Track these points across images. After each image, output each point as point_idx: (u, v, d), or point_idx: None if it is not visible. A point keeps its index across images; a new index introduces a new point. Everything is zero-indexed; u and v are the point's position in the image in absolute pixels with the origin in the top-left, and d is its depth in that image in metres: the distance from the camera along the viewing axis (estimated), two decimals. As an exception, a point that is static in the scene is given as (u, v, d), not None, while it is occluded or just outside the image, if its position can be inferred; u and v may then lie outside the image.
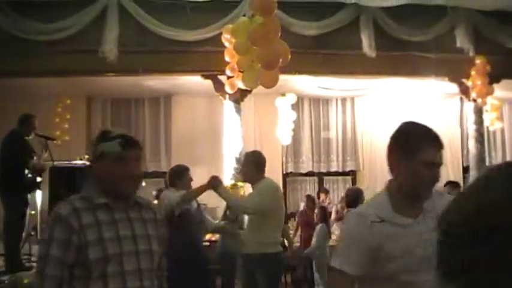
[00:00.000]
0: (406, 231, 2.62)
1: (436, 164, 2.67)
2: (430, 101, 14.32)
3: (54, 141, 8.82)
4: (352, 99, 14.50)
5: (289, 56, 7.75)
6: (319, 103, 14.53)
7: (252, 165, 6.43)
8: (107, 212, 2.74)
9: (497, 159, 15.26)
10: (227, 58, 9.21)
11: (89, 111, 13.65)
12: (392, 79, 12.13)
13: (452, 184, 9.89)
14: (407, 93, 13.63)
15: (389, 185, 2.77)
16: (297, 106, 13.59)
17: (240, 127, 10.91)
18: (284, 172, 14.09)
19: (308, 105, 14.42)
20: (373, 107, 14.33)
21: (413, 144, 2.66)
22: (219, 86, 10.65)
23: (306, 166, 14.31)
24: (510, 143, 15.62)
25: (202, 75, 10.80)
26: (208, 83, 10.81)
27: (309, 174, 14.48)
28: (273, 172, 13.23)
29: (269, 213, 6.02)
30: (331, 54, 10.88)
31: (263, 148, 13.64)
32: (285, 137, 13.18)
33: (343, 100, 14.54)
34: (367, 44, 10.79)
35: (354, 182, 14.56)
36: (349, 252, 2.63)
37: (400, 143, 2.73)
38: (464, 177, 14.32)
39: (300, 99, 13.79)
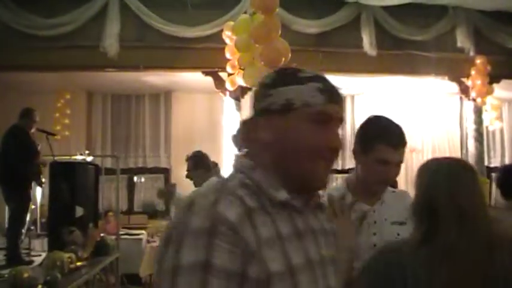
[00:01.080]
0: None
1: (390, 163, 2.62)
2: (429, 100, 14.36)
3: (55, 136, 8.84)
4: (352, 97, 14.52)
5: (290, 55, 7.75)
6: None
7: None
8: (286, 217, 1.54)
9: (496, 158, 15.32)
10: (228, 55, 9.21)
11: (89, 106, 13.67)
12: (393, 78, 12.15)
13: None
14: (407, 92, 13.66)
15: (348, 177, 2.84)
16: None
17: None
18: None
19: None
20: (373, 106, 14.33)
21: (369, 139, 2.66)
22: (219, 83, 10.66)
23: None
24: (509, 143, 15.66)
25: (203, 72, 10.81)
26: (209, 79, 10.82)
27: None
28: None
29: None
30: (331, 53, 10.90)
31: (262, 145, 13.72)
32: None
33: (343, 98, 14.50)
34: (367, 43, 10.82)
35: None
36: None
37: (359, 136, 2.74)
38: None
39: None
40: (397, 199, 2.84)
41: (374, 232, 2.70)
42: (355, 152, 2.72)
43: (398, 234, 2.67)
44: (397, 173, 2.70)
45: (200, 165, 6.64)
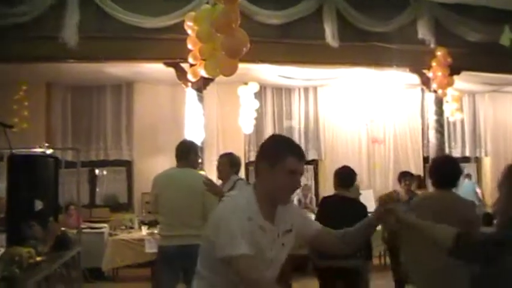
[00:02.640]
0: (265, 234, 2.82)
1: (298, 173, 2.88)
2: (391, 91, 14.47)
3: (12, 129, 8.65)
4: (315, 88, 14.54)
5: (249, 45, 7.72)
6: (282, 92, 14.54)
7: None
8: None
9: (456, 149, 15.52)
10: (190, 46, 9.14)
11: (49, 98, 13.41)
12: (355, 69, 12.20)
13: (404, 173, 10.08)
14: (369, 83, 13.73)
15: (256, 189, 2.92)
16: (259, 95, 13.58)
17: (203, 116, 10.87)
18: (246, 161, 14.09)
19: (271, 94, 14.43)
20: (336, 97, 14.41)
21: (279, 153, 2.86)
22: (181, 74, 10.58)
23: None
24: (469, 134, 15.88)
25: (165, 63, 10.72)
26: (171, 71, 10.73)
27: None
28: (235, 161, 13.24)
29: None
30: (294, 44, 10.89)
31: (225, 137, 13.70)
32: (247, 125, 13.17)
33: (306, 89, 14.57)
34: (330, 34, 10.83)
35: (315, 171, 14.65)
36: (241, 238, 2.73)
37: (267, 151, 2.93)
38: (424, 167, 14.51)
39: (263, 88, 13.79)
40: (283, 208, 2.98)
41: (271, 248, 2.92)
42: (261, 169, 2.90)
43: (283, 245, 2.97)
44: (300, 183, 2.97)
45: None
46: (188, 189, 5.94)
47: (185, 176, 6.09)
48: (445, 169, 5.04)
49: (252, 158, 14.29)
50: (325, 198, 7.15)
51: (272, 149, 2.92)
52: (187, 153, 6.23)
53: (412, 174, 10.18)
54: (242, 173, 13.05)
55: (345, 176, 6.72)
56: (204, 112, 10.93)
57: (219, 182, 6.62)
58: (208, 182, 5.70)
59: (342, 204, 6.45)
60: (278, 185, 2.83)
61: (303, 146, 14.42)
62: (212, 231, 2.76)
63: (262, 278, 2.69)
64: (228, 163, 6.63)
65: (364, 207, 6.67)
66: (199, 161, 9.89)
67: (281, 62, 11.39)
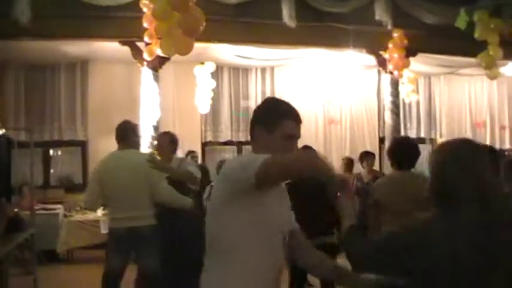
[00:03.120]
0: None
1: (295, 137, 2.85)
2: (348, 72, 14.51)
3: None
4: (272, 69, 14.51)
5: (205, 24, 7.67)
6: (239, 72, 14.47)
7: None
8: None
9: (412, 130, 15.68)
10: (145, 24, 9.03)
11: (1, 77, 13.11)
12: (312, 50, 12.20)
13: (366, 153, 10.18)
14: (326, 64, 13.75)
15: (254, 151, 2.85)
16: (216, 75, 13.49)
17: (158, 95, 10.76)
18: (203, 141, 14.03)
19: (227, 74, 14.35)
20: (293, 77, 14.40)
21: (276, 117, 2.80)
22: (137, 53, 10.45)
23: (225, 135, 14.26)
24: (425, 115, 16.05)
25: (120, 42, 10.55)
26: (126, 49, 10.57)
27: (228, 143, 14.43)
28: (192, 141, 13.17)
29: None
30: (251, 23, 10.82)
31: (181, 117, 13.60)
32: (203, 105, 13.09)
33: (263, 70, 14.53)
34: (287, 14, 10.79)
35: (272, 151, 14.64)
36: None
37: (262, 116, 2.86)
38: (380, 148, 14.65)
39: (219, 68, 13.71)
40: None
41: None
42: (257, 134, 2.83)
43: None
44: (297, 147, 2.95)
45: None
46: (132, 170, 5.88)
47: (127, 157, 6.03)
48: (404, 150, 5.15)
49: (209, 138, 14.26)
50: None
51: (268, 113, 2.84)
52: (126, 134, 6.17)
53: (373, 154, 10.29)
54: (199, 153, 13.02)
55: None
56: (160, 92, 10.82)
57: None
58: (152, 159, 5.70)
59: (310, 182, 6.55)
60: (276, 151, 2.67)
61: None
62: (232, 172, 2.62)
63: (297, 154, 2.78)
64: (168, 141, 6.55)
65: (323, 185, 6.80)
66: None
67: (238, 41, 11.32)
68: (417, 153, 5.26)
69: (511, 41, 11.41)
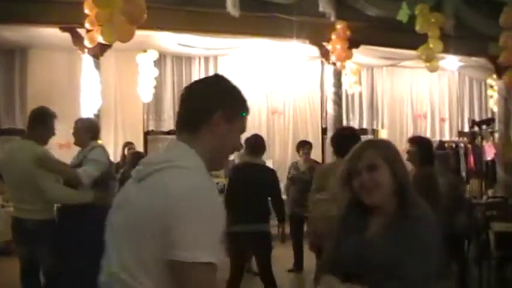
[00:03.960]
0: None
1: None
2: (292, 63, 14.55)
3: None
4: (215, 58, 14.46)
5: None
6: (182, 61, 14.38)
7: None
8: None
9: (354, 121, 15.84)
10: (86, 10, 8.85)
11: None
12: (256, 39, 12.19)
13: (303, 142, 10.24)
14: (270, 54, 13.76)
15: (196, 150, 2.17)
16: (159, 63, 13.38)
17: (100, 83, 10.57)
18: (145, 130, 13.91)
19: (170, 62, 14.23)
20: (236, 67, 14.36)
21: (239, 104, 2.30)
22: (77, 40, 10.23)
23: (168, 124, 14.14)
24: (367, 106, 16.24)
25: (60, 28, 10.32)
26: (67, 36, 10.35)
27: (171, 132, 14.32)
28: (134, 130, 13.04)
29: None
30: (194, 12, 10.70)
31: (123, 105, 13.44)
32: (146, 94, 12.96)
33: (206, 59, 14.47)
34: (230, 3, 10.69)
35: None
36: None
37: (223, 98, 2.25)
38: (323, 138, 14.77)
39: (162, 56, 13.59)
40: None
41: None
42: (214, 121, 2.18)
43: None
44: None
45: None
46: (17, 164, 5.63)
47: (18, 150, 5.79)
48: (345, 138, 5.26)
49: (151, 127, 14.13)
50: (236, 165, 7.57)
51: (232, 97, 2.29)
52: (33, 125, 5.84)
53: (310, 143, 10.35)
54: (140, 143, 12.90)
55: (254, 144, 6.91)
56: (101, 79, 10.63)
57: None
58: (40, 158, 5.51)
59: (251, 170, 6.70)
60: (228, 146, 2.27)
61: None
62: (180, 214, 1.93)
63: None
64: (83, 128, 6.21)
65: (273, 172, 7.02)
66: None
67: (181, 30, 11.21)
68: (358, 142, 5.35)
69: (451, 35, 11.64)
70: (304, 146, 10.24)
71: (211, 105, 2.19)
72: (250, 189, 6.55)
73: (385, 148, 2.65)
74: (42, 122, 5.85)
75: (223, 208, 2.14)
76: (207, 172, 2.16)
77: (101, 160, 5.92)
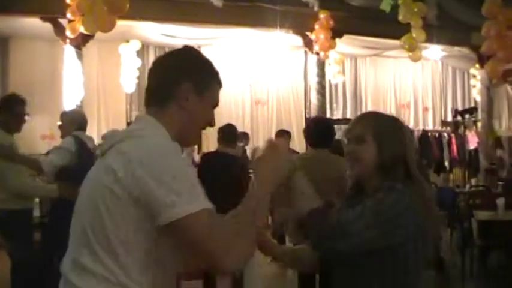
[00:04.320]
0: None
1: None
2: (275, 52, 14.52)
3: None
4: (199, 48, 14.33)
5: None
6: (165, 51, 14.16)
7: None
8: None
9: (338, 111, 15.87)
10: (68, 0, 8.78)
11: None
12: (239, 29, 12.15)
13: (281, 132, 10.20)
14: (253, 44, 13.72)
15: (164, 125, 2.05)
16: (141, 53, 13.30)
17: (82, 74, 10.50)
18: (128, 120, 13.83)
19: (153, 52, 14.13)
20: (220, 57, 14.27)
21: (210, 75, 2.16)
22: (59, 30, 10.16)
23: (150, 115, 14.09)
24: (351, 96, 16.27)
25: (42, 18, 10.23)
26: (48, 26, 10.26)
27: (154, 122, 14.27)
28: (117, 121, 12.96)
29: None
30: (177, 2, 10.69)
31: (106, 96, 13.36)
32: (129, 84, 12.89)
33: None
34: (214, -7, 10.70)
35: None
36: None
37: (192, 70, 2.11)
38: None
39: (145, 46, 13.52)
40: None
41: None
42: (182, 94, 2.06)
43: None
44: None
45: None
46: None
47: None
48: (319, 129, 5.24)
49: (134, 117, 14.05)
50: (205, 154, 7.41)
51: (201, 67, 2.14)
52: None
53: (288, 132, 10.31)
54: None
55: (227, 133, 6.82)
56: (84, 70, 10.57)
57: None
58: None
59: (222, 160, 6.60)
60: (199, 120, 2.13)
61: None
62: (145, 177, 1.84)
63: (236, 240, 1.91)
64: (67, 121, 6.08)
65: (245, 162, 6.90)
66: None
67: (164, 20, 11.17)
68: (332, 132, 5.36)
69: (433, 24, 11.67)
70: (282, 135, 10.18)
71: (179, 77, 2.07)
72: (217, 179, 6.45)
73: (378, 124, 2.50)
74: (7, 108, 5.64)
75: (190, 164, 2.06)
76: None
77: (65, 148, 5.75)
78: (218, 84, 2.18)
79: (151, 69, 2.16)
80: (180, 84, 2.05)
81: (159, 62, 2.19)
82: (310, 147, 5.42)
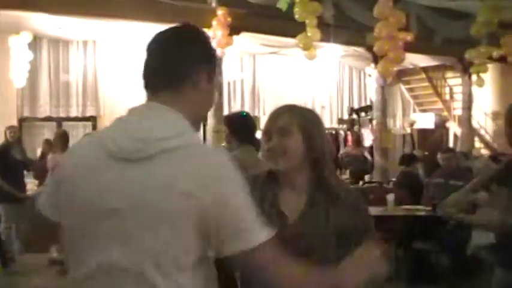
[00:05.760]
0: None
1: None
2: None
3: None
4: (94, 42, 14.08)
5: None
6: (59, 44, 13.91)
7: None
8: None
9: (236, 108, 15.87)
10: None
11: None
12: (137, 24, 11.94)
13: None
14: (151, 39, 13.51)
15: (180, 104, 1.85)
16: (33, 46, 12.81)
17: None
18: (20, 117, 13.35)
19: (47, 46, 13.73)
20: (117, 52, 14.05)
21: (216, 57, 2.04)
22: None
23: (44, 110, 13.68)
24: (249, 93, 16.33)
25: None
26: None
27: (47, 119, 13.85)
28: (7, 117, 12.48)
29: None
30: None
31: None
32: (19, 79, 12.42)
33: (85, 43, 14.06)
34: (112, -13, 10.49)
35: (94, 127, 14.26)
36: None
37: (208, 53, 1.99)
38: (204, 125, 14.67)
39: (38, 39, 13.08)
40: None
41: None
42: (200, 77, 1.89)
43: None
44: None
45: None
46: None
47: None
48: (246, 125, 5.14)
49: (26, 113, 13.59)
50: None
51: (214, 53, 2.01)
52: None
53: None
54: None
55: None
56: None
57: None
58: None
59: None
60: (209, 106, 2.01)
61: (80, 101, 14.08)
62: (220, 193, 1.69)
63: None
64: None
65: None
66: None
67: (57, 11, 10.80)
68: (255, 128, 5.33)
69: (330, 24, 11.86)
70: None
71: (199, 59, 1.90)
72: None
73: (303, 115, 2.45)
74: None
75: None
76: None
77: None
78: (217, 63, 2.05)
79: (153, 47, 1.95)
80: (199, 67, 1.88)
81: (167, 38, 1.96)
82: (238, 143, 5.17)
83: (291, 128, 2.36)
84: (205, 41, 1.97)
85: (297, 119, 2.38)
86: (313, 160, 2.37)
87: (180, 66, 1.86)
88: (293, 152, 2.35)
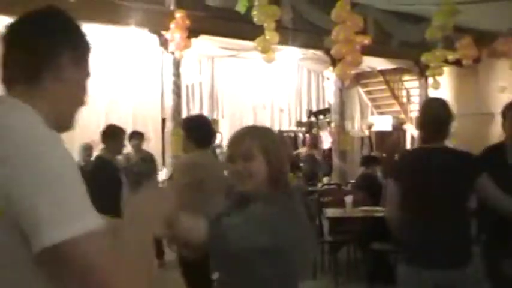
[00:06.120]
0: None
1: None
2: (131, 51, 14.20)
3: None
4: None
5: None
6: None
7: None
8: None
9: (195, 111, 15.79)
10: None
11: None
12: (92, 25, 11.75)
13: (133, 133, 9.99)
14: (108, 41, 13.34)
15: (37, 97, 1.66)
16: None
17: None
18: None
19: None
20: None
21: (85, 40, 1.86)
22: None
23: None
24: (208, 96, 16.29)
25: None
26: None
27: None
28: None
29: None
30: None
31: None
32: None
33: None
34: (64, -13, 10.30)
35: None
36: None
37: (72, 32, 1.83)
38: (163, 129, 14.56)
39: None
40: None
41: None
42: (63, 62, 1.71)
43: None
44: None
45: None
46: None
47: None
48: (204, 129, 5.14)
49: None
50: None
51: (75, 32, 1.83)
52: None
53: (141, 133, 10.14)
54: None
55: None
56: None
57: None
58: None
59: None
60: (79, 96, 1.81)
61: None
62: (18, 182, 1.39)
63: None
64: None
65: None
66: None
67: (6, 13, 10.59)
68: (214, 132, 5.34)
69: (288, 27, 11.90)
70: (134, 136, 9.97)
71: (54, 43, 1.70)
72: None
73: (263, 137, 2.58)
74: None
75: (75, 163, 1.57)
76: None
77: None
78: (89, 50, 1.84)
79: (8, 37, 1.72)
80: (56, 53, 1.69)
81: (20, 27, 1.77)
82: (196, 147, 5.13)
83: (253, 151, 2.49)
84: (67, 25, 1.79)
85: (258, 142, 2.52)
86: (273, 177, 2.51)
87: (35, 56, 1.66)
88: (257, 174, 2.49)
